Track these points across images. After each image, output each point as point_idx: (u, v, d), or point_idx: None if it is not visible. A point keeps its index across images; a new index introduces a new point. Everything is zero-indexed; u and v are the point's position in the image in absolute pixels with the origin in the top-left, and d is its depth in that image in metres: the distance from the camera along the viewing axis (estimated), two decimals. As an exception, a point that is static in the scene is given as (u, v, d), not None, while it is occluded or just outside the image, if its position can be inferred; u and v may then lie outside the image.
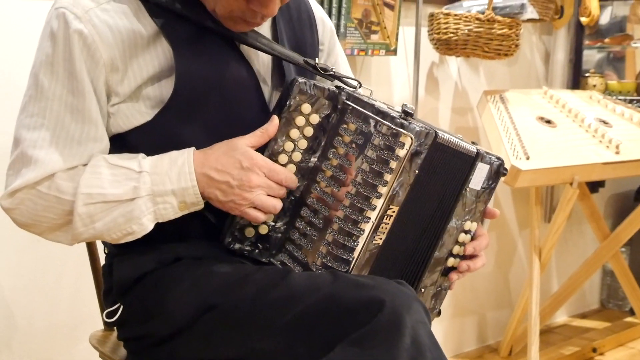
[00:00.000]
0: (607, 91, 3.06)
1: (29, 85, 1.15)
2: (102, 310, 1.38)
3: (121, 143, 1.18)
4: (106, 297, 1.30)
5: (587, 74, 3.11)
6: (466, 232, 1.28)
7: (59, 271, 1.83)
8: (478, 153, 1.22)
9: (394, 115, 1.12)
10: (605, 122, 2.56)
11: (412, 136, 1.10)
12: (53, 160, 1.12)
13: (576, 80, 3.12)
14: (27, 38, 1.67)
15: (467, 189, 1.23)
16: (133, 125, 1.16)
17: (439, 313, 1.33)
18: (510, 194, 3.07)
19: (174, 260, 1.20)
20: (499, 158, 1.26)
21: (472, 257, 1.30)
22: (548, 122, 2.50)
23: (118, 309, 1.25)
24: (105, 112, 1.15)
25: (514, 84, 3.01)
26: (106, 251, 1.33)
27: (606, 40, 3.19)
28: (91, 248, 1.49)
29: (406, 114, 1.13)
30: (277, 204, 1.14)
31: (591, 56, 3.30)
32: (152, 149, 1.15)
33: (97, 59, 1.11)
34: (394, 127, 1.11)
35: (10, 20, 1.67)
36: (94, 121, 1.13)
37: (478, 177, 1.23)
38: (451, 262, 1.29)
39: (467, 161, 1.22)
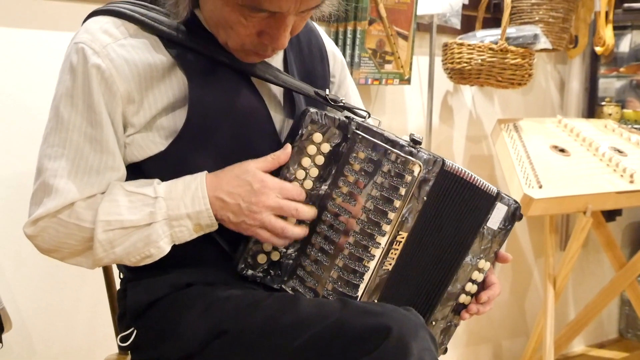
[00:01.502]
0: (622, 120, 3.06)
1: (50, 117, 1.18)
2: (117, 334, 1.40)
3: (136, 171, 1.21)
4: (120, 321, 1.32)
5: (602, 103, 3.11)
6: (480, 270, 1.30)
7: (76, 296, 1.85)
8: (498, 193, 1.25)
9: (403, 143, 1.15)
10: (619, 151, 2.56)
11: (421, 163, 1.13)
12: (72, 190, 1.15)
13: (591, 108, 3.13)
14: (48, 70, 1.71)
15: (485, 227, 1.26)
16: (147, 154, 1.19)
17: (446, 350, 1.34)
18: (525, 222, 3.07)
19: (186, 286, 1.23)
20: (516, 201, 1.29)
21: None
22: (562, 150, 2.51)
23: (132, 333, 1.27)
24: (122, 142, 1.19)
25: (528, 112, 3.02)
26: (121, 276, 1.36)
27: (622, 69, 3.20)
28: (107, 273, 1.51)
29: (414, 142, 1.16)
30: (286, 227, 1.15)
31: (611, 84, 3.30)
32: (166, 177, 1.18)
33: (114, 91, 1.14)
34: (402, 154, 1.13)
35: (33, 52, 1.71)
36: (111, 151, 1.17)
37: (496, 217, 1.26)
38: (462, 298, 1.31)
39: (487, 200, 1.25)
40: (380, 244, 1.15)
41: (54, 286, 1.82)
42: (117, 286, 1.40)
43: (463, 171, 1.21)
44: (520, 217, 1.30)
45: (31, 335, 1.80)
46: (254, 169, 1.15)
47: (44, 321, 1.81)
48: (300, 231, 1.17)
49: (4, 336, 1.59)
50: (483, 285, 1.33)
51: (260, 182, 1.14)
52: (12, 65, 1.68)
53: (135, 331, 1.27)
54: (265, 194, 1.14)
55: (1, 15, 1.65)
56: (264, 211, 1.14)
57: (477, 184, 1.23)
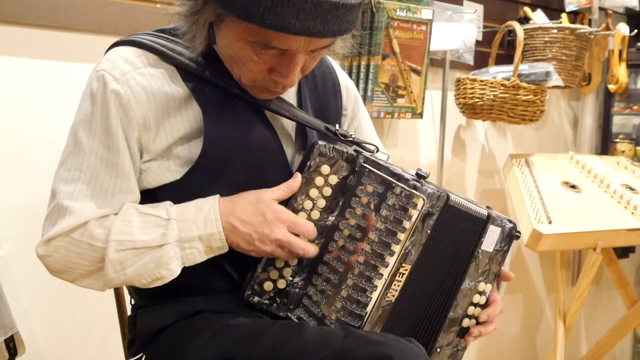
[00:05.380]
0: (636, 157, 3.07)
1: (68, 142, 1.22)
2: (126, 360, 1.43)
3: (151, 198, 1.24)
4: (130, 347, 1.34)
5: (616, 140, 3.13)
6: (480, 293, 1.31)
7: (88, 321, 1.88)
8: (489, 216, 1.26)
9: (408, 177, 1.17)
10: (631, 188, 2.56)
11: (425, 197, 1.15)
12: (86, 210, 1.18)
13: (605, 145, 3.14)
14: (68, 101, 1.76)
15: (480, 250, 1.27)
16: (162, 182, 1.22)
17: None
18: (537, 258, 3.07)
19: (195, 313, 1.25)
20: (511, 221, 1.29)
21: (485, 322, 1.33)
22: (573, 187, 2.52)
23: (140, 358, 1.29)
24: (137, 167, 1.22)
25: (541, 148, 3.04)
26: (132, 302, 1.39)
27: (635, 107, 3.22)
28: (119, 299, 1.54)
29: (419, 176, 1.18)
30: (291, 260, 1.20)
31: (628, 120, 3.32)
32: None
33: (131, 117, 1.18)
34: (407, 188, 1.16)
35: (54, 84, 1.76)
36: (126, 175, 1.20)
37: (490, 240, 1.27)
38: (466, 322, 1.32)
39: (479, 224, 1.26)
40: (383, 275, 1.17)
41: (68, 311, 1.84)
42: (129, 312, 1.43)
43: (465, 204, 1.23)
44: (517, 237, 1.30)
45: (44, 359, 1.82)
46: (269, 199, 1.18)
47: (57, 346, 1.84)
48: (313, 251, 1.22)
49: (17, 360, 1.62)
50: (487, 306, 1.33)
51: (273, 214, 1.17)
52: (33, 96, 1.73)
53: (144, 357, 1.29)
54: (277, 226, 1.16)
55: (23, 47, 1.70)
56: (273, 244, 1.17)
57: (468, 211, 1.23)
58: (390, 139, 2.49)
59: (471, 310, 1.31)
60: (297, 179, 1.20)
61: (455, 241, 1.24)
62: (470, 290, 1.29)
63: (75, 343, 1.87)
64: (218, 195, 1.20)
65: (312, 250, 1.20)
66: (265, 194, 1.19)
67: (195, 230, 1.17)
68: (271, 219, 1.16)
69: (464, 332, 1.32)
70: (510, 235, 1.29)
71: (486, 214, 1.26)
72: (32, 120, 1.73)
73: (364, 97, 2.23)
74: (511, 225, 1.29)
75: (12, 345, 1.61)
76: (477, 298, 1.31)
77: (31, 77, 1.72)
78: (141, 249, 1.16)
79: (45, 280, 1.72)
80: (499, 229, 1.27)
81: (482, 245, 1.27)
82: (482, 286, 1.30)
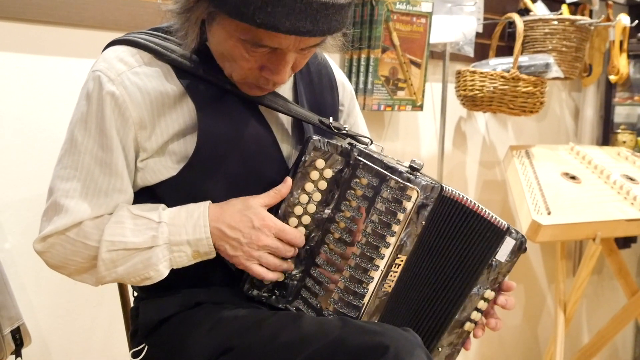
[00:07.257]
0: (637, 147, 3.08)
1: (65, 140, 1.25)
2: (130, 350, 1.45)
3: (149, 195, 1.26)
4: (133, 338, 1.37)
5: (617, 130, 3.13)
6: (485, 299, 1.34)
7: (93, 312, 1.91)
8: (508, 228, 1.30)
9: (402, 170, 1.19)
10: (631, 179, 2.57)
11: (418, 189, 1.17)
12: (82, 210, 1.21)
13: (606, 136, 3.15)
14: (69, 96, 1.78)
15: (494, 259, 1.30)
16: (160, 179, 1.24)
17: None
18: (539, 248, 3.08)
19: (195, 305, 1.28)
20: (522, 235, 1.33)
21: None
22: (573, 178, 2.53)
23: (143, 349, 1.32)
24: (132, 166, 1.24)
25: (543, 139, 3.05)
26: (135, 295, 1.41)
27: (636, 97, 3.22)
28: (123, 292, 1.55)
29: (413, 169, 1.20)
30: (281, 265, 1.22)
31: (632, 110, 3.32)
32: (177, 201, 1.24)
33: (127, 117, 1.20)
34: (401, 181, 1.18)
35: (55, 79, 1.78)
36: (120, 174, 1.23)
37: (504, 250, 1.31)
38: (467, 326, 1.35)
39: (498, 234, 1.29)
40: (379, 266, 1.19)
41: (73, 303, 1.87)
42: (132, 304, 1.45)
43: (465, 198, 1.25)
44: (524, 250, 1.34)
45: (50, 351, 1.85)
46: (257, 206, 1.21)
47: (62, 337, 1.87)
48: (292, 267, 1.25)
49: (23, 351, 1.64)
50: (487, 312, 1.37)
51: (261, 221, 1.20)
52: (35, 92, 1.75)
53: (146, 347, 1.31)
54: (264, 233, 1.19)
55: (25, 42, 1.72)
56: (261, 249, 1.20)
57: (489, 218, 1.27)
58: (391, 132, 2.50)
59: (474, 315, 1.34)
60: (286, 184, 1.22)
61: (465, 241, 1.27)
62: (477, 295, 1.32)
63: (80, 334, 1.89)
64: (209, 202, 1.23)
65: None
66: (253, 200, 1.22)
67: (184, 235, 1.20)
68: (258, 225, 1.19)
69: (463, 335, 1.36)
70: (520, 248, 1.33)
71: (506, 225, 1.29)
72: (35, 115, 1.75)
73: (364, 90, 2.24)
74: (523, 239, 1.33)
75: (18, 337, 1.63)
76: (481, 304, 1.34)
77: (33, 73, 1.74)
78: (132, 250, 1.19)
79: (50, 273, 1.74)
80: (513, 242, 1.31)
81: (497, 254, 1.30)
82: (487, 293, 1.33)
